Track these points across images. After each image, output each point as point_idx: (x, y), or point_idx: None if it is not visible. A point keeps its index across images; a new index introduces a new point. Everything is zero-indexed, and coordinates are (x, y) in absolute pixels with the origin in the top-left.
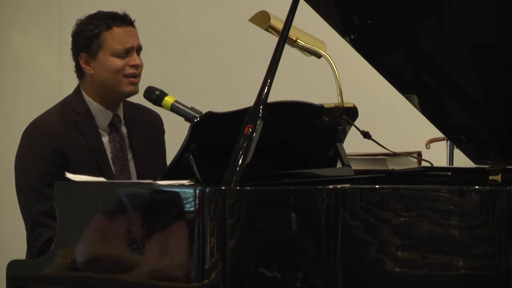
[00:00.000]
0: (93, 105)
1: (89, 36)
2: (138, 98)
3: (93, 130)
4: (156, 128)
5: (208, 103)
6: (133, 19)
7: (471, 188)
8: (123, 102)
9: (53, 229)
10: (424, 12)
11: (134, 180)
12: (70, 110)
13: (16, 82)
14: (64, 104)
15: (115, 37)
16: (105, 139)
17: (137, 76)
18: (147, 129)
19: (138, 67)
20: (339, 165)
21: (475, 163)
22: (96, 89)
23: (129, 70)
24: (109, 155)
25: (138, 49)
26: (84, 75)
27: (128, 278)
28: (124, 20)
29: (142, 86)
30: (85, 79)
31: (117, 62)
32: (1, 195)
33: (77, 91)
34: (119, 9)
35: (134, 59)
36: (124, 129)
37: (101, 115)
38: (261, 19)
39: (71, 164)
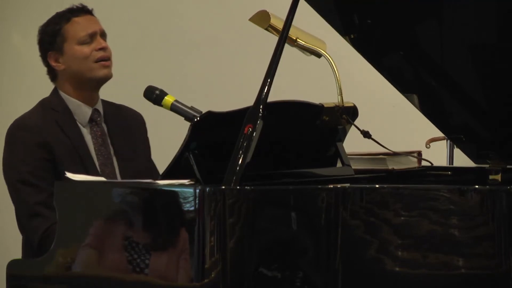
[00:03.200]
0: (71, 102)
1: (52, 33)
2: (138, 98)
3: (73, 126)
4: (137, 125)
5: (208, 102)
6: (91, 8)
7: (471, 188)
8: (102, 102)
9: (50, 219)
10: (424, 12)
11: (117, 173)
12: (49, 108)
13: (16, 82)
14: (42, 104)
15: (76, 26)
16: (87, 134)
17: (107, 59)
18: (127, 125)
19: (105, 49)
20: (339, 164)
21: (475, 162)
22: (71, 84)
23: (98, 55)
24: (92, 150)
25: (102, 34)
26: (56, 75)
27: (128, 277)
28: (81, 10)
29: (143, 86)
30: (59, 78)
31: (84, 49)
32: (1, 195)
33: (54, 91)
34: (119, 9)
35: (99, 42)
36: (104, 125)
37: (81, 111)
38: (261, 19)
39: (57, 157)
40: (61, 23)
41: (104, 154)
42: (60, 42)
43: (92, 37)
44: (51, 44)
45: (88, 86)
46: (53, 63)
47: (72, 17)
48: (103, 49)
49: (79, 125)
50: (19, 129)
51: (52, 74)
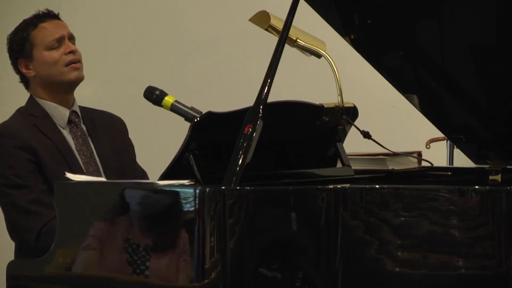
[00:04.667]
0: (48, 106)
1: (20, 40)
2: (138, 98)
3: (53, 128)
4: (117, 127)
5: (208, 103)
6: (57, 12)
7: (471, 188)
8: (80, 108)
9: (45, 217)
10: (424, 12)
11: (102, 172)
12: (26, 115)
13: (16, 82)
14: (20, 111)
15: (43, 31)
16: (67, 135)
17: (77, 61)
18: (106, 127)
19: (74, 52)
20: (339, 165)
21: (475, 163)
22: (44, 89)
23: (67, 58)
24: (74, 150)
25: (70, 37)
26: (29, 82)
27: (128, 277)
28: (47, 15)
29: (143, 86)
30: (31, 85)
31: (53, 54)
32: None
33: (29, 98)
34: (119, 9)
35: (68, 46)
36: (83, 127)
37: (58, 113)
38: (261, 19)
39: (41, 159)
40: (28, 30)
41: (86, 153)
42: (28, 49)
43: (60, 41)
44: (20, 52)
45: (61, 89)
46: (23, 70)
47: (39, 23)
48: (72, 52)
49: (59, 127)
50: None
51: (25, 81)
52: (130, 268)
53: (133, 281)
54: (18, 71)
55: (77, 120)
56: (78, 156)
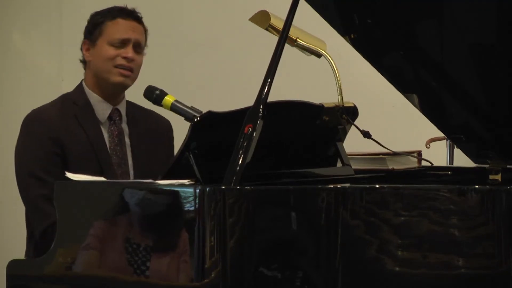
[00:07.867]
0: (93, 97)
1: (94, 23)
2: (139, 98)
3: (92, 122)
4: (163, 132)
5: (208, 102)
6: (141, 16)
7: (471, 188)
8: (129, 104)
9: (51, 216)
10: (424, 12)
11: (131, 175)
12: (70, 102)
13: (16, 81)
14: (64, 97)
15: (115, 27)
16: (105, 132)
17: (127, 69)
18: (151, 131)
19: (129, 60)
20: (339, 164)
21: (475, 162)
22: (94, 79)
23: (120, 61)
24: (108, 148)
25: (136, 44)
26: (86, 64)
27: (128, 277)
28: (130, 14)
29: (143, 86)
30: (87, 69)
31: (110, 51)
32: (1, 195)
33: (79, 85)
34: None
35: (126, 51)
36: (125, 127)
37: (101, 107)
38: (261, 19)
39: (68, 154)
40: (106, 18)
41: (119, 154)
42: (97, 35)
43: (124, 43)
44: (89, 34)
45: (104, 86)
46: (84, 51)
47: (118, 17)
48: (127, 59)
49: (98, 121)
50: (33, 120)
51: (84, 62)
52: (130, 268)
53: (133, 280)
54: (81, 49)
55: (117, 118)
56: (111, 155)
